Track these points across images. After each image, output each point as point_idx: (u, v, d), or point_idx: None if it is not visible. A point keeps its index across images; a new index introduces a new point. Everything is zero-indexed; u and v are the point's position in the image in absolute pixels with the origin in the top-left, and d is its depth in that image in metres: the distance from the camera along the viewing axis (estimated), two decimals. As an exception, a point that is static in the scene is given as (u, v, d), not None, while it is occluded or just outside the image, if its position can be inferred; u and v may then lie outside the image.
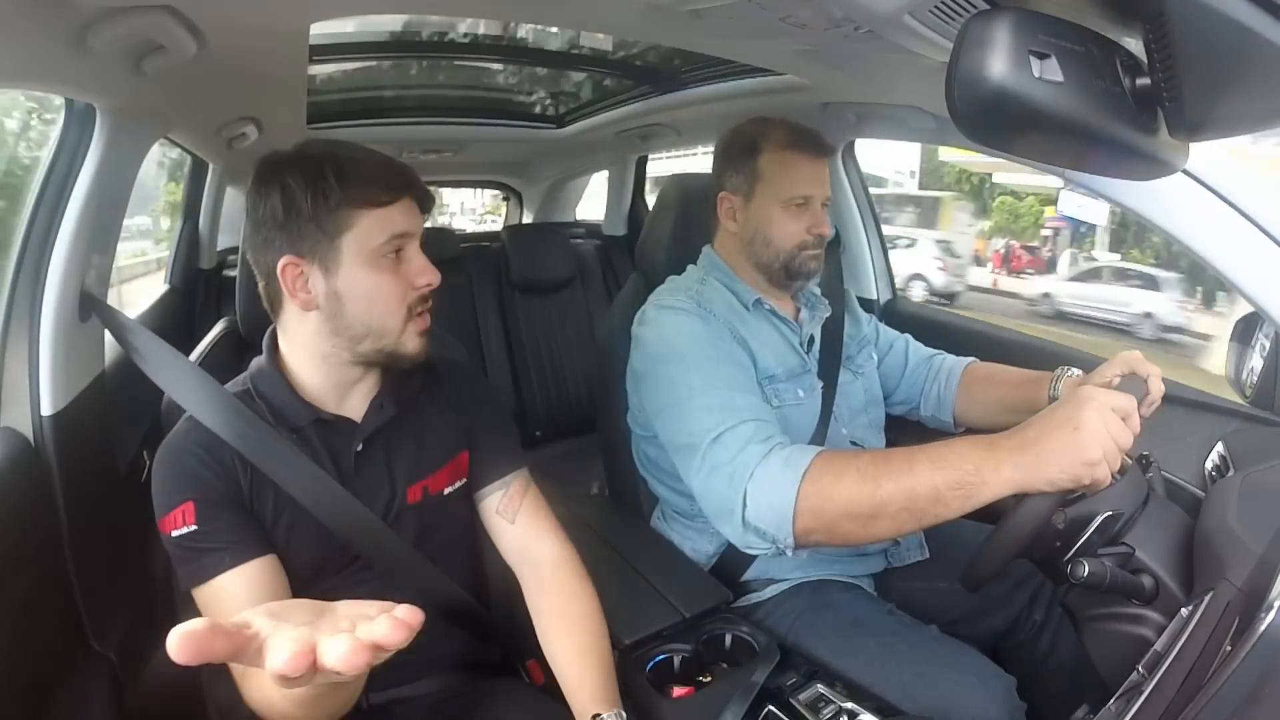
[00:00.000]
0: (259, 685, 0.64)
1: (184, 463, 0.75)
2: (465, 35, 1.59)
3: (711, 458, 0.87)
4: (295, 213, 0.72)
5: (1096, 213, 8.81)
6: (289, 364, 0.80)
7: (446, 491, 0.86)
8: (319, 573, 0.79)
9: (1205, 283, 7.47)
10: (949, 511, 0.72)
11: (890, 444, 1.21)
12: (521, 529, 0.88)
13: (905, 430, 1.31)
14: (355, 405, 0.82)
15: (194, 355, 0.95)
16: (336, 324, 0.76)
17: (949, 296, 9.16)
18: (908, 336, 1.29)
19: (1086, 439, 0.65)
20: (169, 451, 0.76)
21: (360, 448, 0.81)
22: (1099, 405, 0.66)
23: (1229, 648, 0.57)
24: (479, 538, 0.93)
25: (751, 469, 0.83)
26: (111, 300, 1.01)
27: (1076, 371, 1.02)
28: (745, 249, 1.09)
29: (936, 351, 1.26)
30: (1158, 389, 0.87)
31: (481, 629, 0.88)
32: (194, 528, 0.72)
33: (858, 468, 0.77)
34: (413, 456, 0.84)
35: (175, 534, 0.72)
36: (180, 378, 0.82)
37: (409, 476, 0.83)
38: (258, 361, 0.82)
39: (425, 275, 0.77)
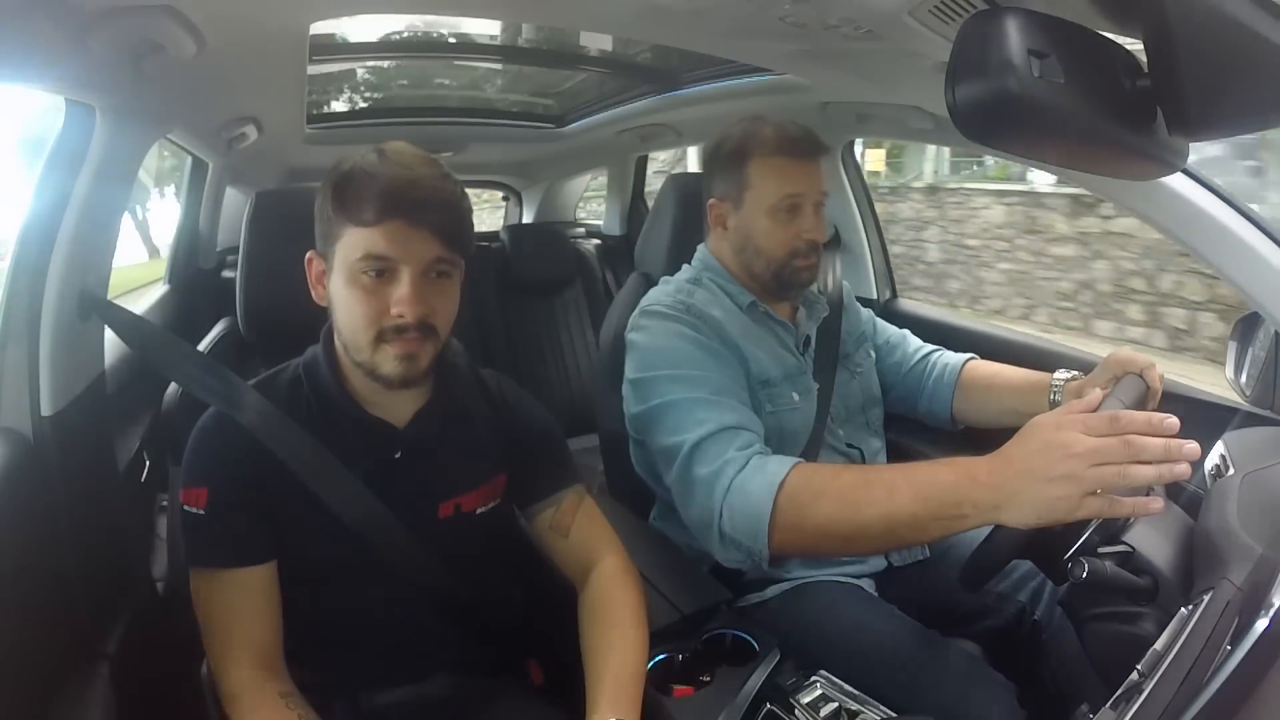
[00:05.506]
0: None
1: (212, 446, 0.77)
2: (464, 35, 1.59)
3: (692, 466, 0.87)
4: (318, 212, 0.77)
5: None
6: (340, 357, 0.81)
7: (479, 511, 0.86)
8: (337, 567, 0.80)
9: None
10: (929, 537, 0.72)
11: (889, 443, 1.21)
12: (575, 543, 0.88)
13: (904, 428, 1.30)
14: (400, 413, 0.82)
15: None
16: (338, 326, 0.78)
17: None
18: (905, 332, 1.28)
19: (1059, 491, 0.62)
20: (205, 428, 0.78)
21: (398, 455, 0.81)
22: (1072, 458, 0.62)
23: (1229, 648, 0.57)
24: (500, 547, 0.93)
25: (729, 479, 0.82)
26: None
27: (1075, 374, 1.01)
28: (737, 257, 1.08)
29: (935, 347, 1.25)
30: (1156, 380, 0.86)
31: (483, 630, 0.88)
32: (203, 513, 0.75)
33: (838, 489, 0.76)
34: (451, 473, 0.84)
35: (187, 509, 0.75)
36: (192, 369, 0.83)
37: (444, 493, 0.83)
38: (312, 349, 0.83)
39: (399, 306, 0.72)
